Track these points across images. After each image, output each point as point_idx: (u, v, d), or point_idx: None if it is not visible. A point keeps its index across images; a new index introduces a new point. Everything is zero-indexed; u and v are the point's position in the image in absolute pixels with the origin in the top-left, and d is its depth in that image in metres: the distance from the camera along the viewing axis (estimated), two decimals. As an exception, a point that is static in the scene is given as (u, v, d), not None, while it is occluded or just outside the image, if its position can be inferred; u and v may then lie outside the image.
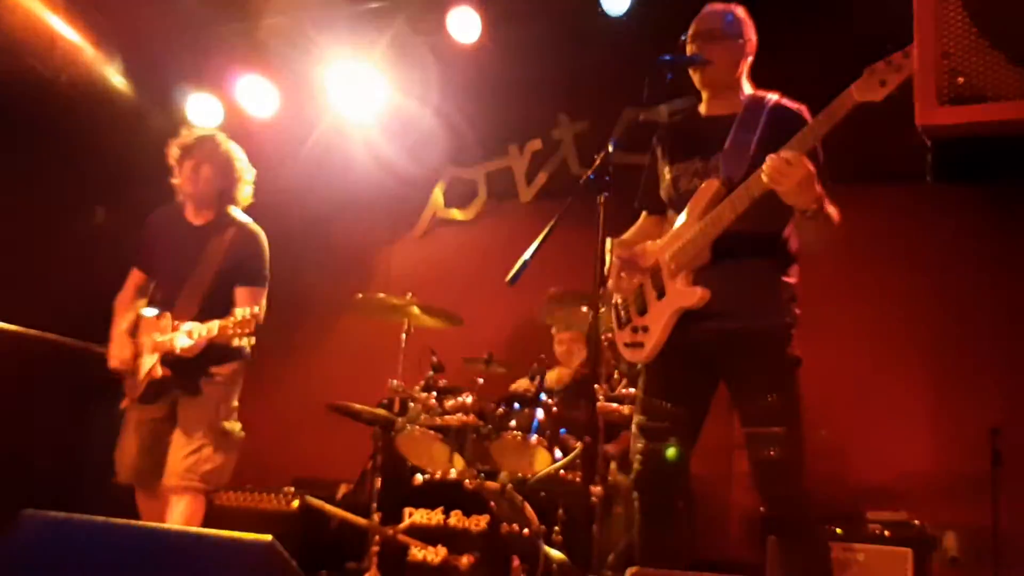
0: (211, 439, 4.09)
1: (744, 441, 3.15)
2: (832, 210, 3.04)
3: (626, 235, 3.49)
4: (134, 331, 4.25)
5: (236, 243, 4.29)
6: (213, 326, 3.94)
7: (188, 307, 4.15)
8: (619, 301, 3.41)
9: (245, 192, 4.42)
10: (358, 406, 4.94)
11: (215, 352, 4.09)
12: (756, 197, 3.00)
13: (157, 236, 4.36)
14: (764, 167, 2.89)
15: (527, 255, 2.94)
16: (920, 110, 1.66)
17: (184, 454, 4.04)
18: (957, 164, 1.73)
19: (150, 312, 4.19)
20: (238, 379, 4.27)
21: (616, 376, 4.41)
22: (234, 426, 4.20)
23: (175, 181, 4.33)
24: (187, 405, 4.14)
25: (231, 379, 4.22)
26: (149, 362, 4.12)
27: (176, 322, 4.09)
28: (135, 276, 4.39)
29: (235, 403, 4.25)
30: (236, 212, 4.39)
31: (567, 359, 5.31)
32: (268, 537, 2.14)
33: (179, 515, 4.02)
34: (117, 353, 4.20)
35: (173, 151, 4.35)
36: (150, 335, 4.15)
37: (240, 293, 4.22)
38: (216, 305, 4.13)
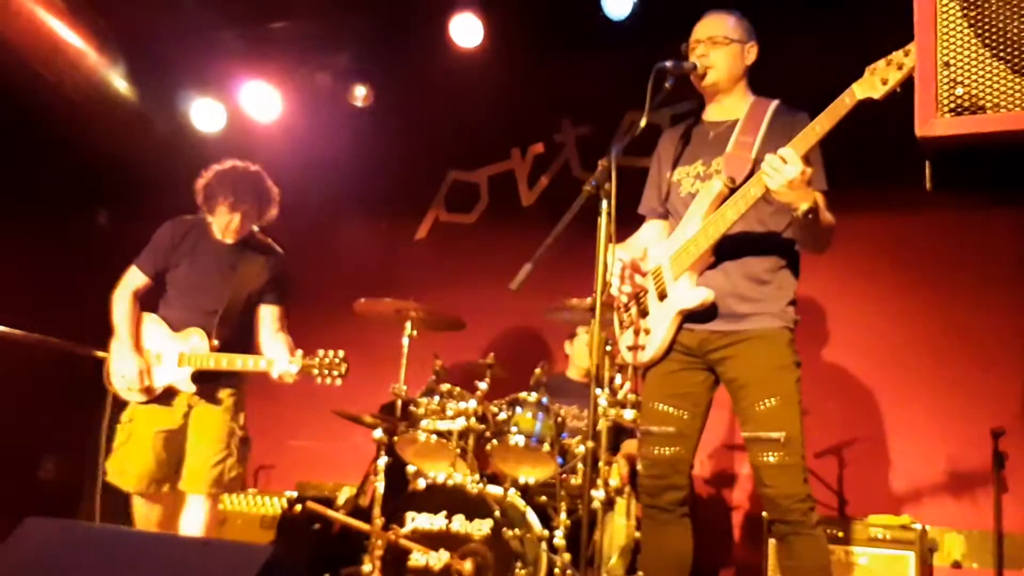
0: (234, 449, 4.18)
1: (745, 444, 3.16)
2: (827, 214, 3.05)
3: (629, 240, 3.51)
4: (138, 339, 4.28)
5: (271, 266, 4.39)
6: (298, 362, 4.11)
7: (224, 325, 4.22)
8: (621, 305, 3.42)
9: (274, 214, 4.46)
10: (360, 411, 4.95)
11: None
12: (757, 197, 3.02)
13: (178, 247, 4.31)
14: (762, 165, 2.91)
15: (531, 262, 2.94)
16: (920, 120, 1.66)
17: (211, 463, 4.11)
18: (956, 173, 1.73)
19: (195, 332, 4.19)
20: (245, 394, 4.34)
21: (619, 381, 4.42)
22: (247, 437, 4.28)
23: (209, 217, 4.30)
24: (207, 414, 4.18)
25: (243, 393, 4.31)
26: (172, 374, 4.15)
27: (215, 341, 4.16)
28: (137, 278, 4.29)
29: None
30: (259, 234, 4.46)
31: (578, 362, 5.34)
32: (270, 543, 2.15)
33: (202, 518, 4.11)
34: (128, 372, 4.13)
35: (203, 183, 4.30)
36: (171, 344, 4.19)
37: (274, 312, 4.37)
38: (244, 323, 4.31)
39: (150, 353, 4.21)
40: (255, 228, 4.42)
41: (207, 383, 4.16)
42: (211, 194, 4.26)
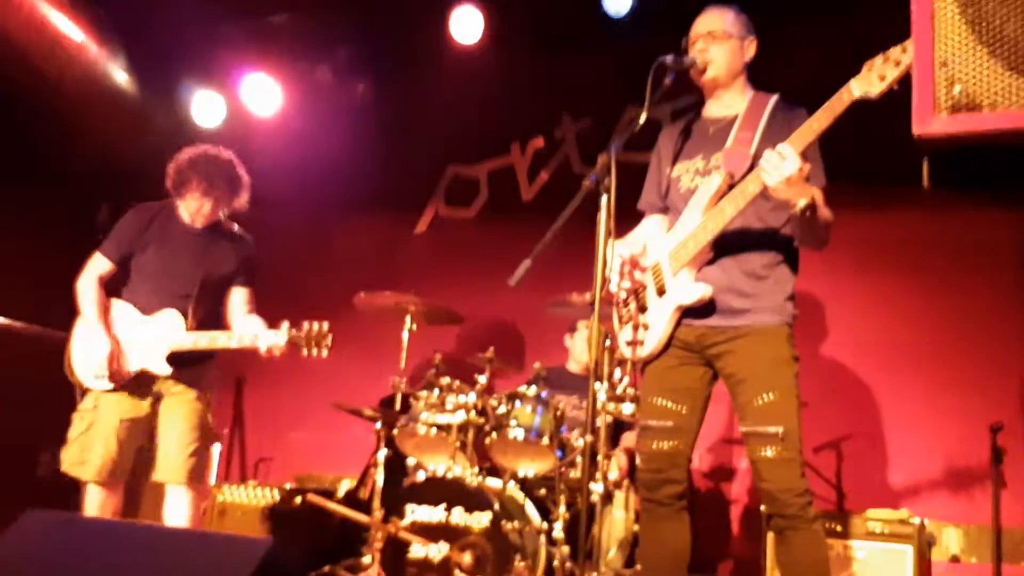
0: (207, 441, 4.21)
1: (743, 439, 3.17)
2: (825, 210, 3.06)
3: (629, 235, 3.51)
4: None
5: (240, 250, 4.40)
6: (285, 333, 4.11)
7: (199, 307, 4.21)
8: (621, 299, 3.43)
9: (244, 200, 4.41)
10: (361, 404, 4.96)
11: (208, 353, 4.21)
12: (755, 194, 3.02)
13: (144, 232, 4.28)
14: (760, 161, 2.92)
15: (530, 259, 2.95)
16: (917, 119, 1.66)
17: (187, 455, 4.11)
18: (954, 170, 1.74)
19: (169, 313, 4.16)
20: (214, 384, 4.36)
21: (618, 375, 4.43)
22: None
23: (178, 201, 4.29)
24: (179, 402, 4.17)
25: (213, 382, 4.32)
26: (146, 357, 4.12)
27: (191, 322, 4.15)
28: (102, 264, 4.25)
29: None
30: (225, 220, 4.44)
31: (578, 355, 5.35)
32: (268, 537, 2.16)
33: (185, 510, 4.12)
34: (96, 355, 4.08)
35: (175, 168, 4.27)
36: (144, 327, 4.16)
37: (245, 294, 4.38)
38: (215, 306, 4.31)
39: (120, 338, 4.15)
40: (223, 215, 4.40)
41: (180, 367, 4.14)
42: (184, 179, 4.24)
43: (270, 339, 4.10)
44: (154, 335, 4.13)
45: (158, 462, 4.13)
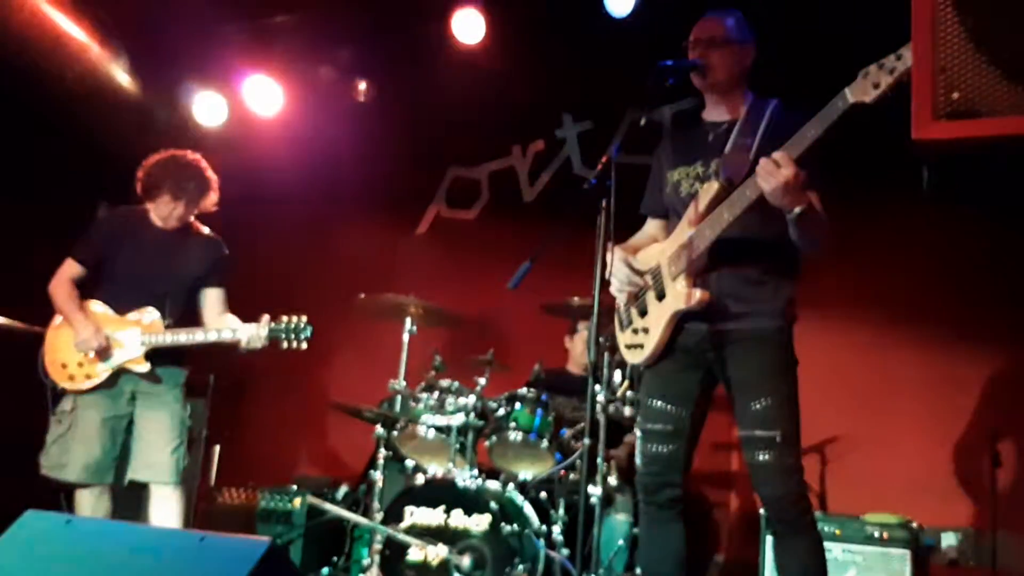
0: (184, 438, 4.20)
1: (740, 443, 3.17)
2: (823, 215, 3.06)
3: (632, 239, 3.52)
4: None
5: (212, 251, 4.42)
6: (265, 326, 4.12)
7: (175, 306, 4.24)
8: (622, 304, 3.43)
9: (213, 200, 4.45)
10: (360, 405, 4.96)
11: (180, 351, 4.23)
12: (753, 199, 3.02)
13: (116, 237, 4.32)
14: (757, 168, 2.92)
15: (528, 262, 2.95)
16: (915, 125, 1.67)
17: (168, 451, 4.12)
18: (953, 176, 1.75)
19: (146, 311, 4.19)
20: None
21: (618, 378, 4.43)
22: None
23: (149, 205, 4.33)
24: (156, 401, 4.18)
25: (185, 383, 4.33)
26: (127, 353, 4.13)
27: (169, 320, 4.18)
28: (74, 269, 4.27)
29: None
30: (195, 222, 4.47)
31: (579, 357, 5.35)
32: (267, 538, 2.16)
33: (175, 509, 4.11)
34: (87, 336, 4.08)
35: (144, 173, 4.33)
36: (122, 325, 4.18)
37: (219, 294, 4.38)
38: (190, 307, 4.33)
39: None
40: (192, 217, 4.44)
41: (157, 366, 4.17)
42: (153, 183, 4.30)
43: (250, 332, 4.13)
44: (132, 331, 4.16)
45: (141, 462, 4.14)
